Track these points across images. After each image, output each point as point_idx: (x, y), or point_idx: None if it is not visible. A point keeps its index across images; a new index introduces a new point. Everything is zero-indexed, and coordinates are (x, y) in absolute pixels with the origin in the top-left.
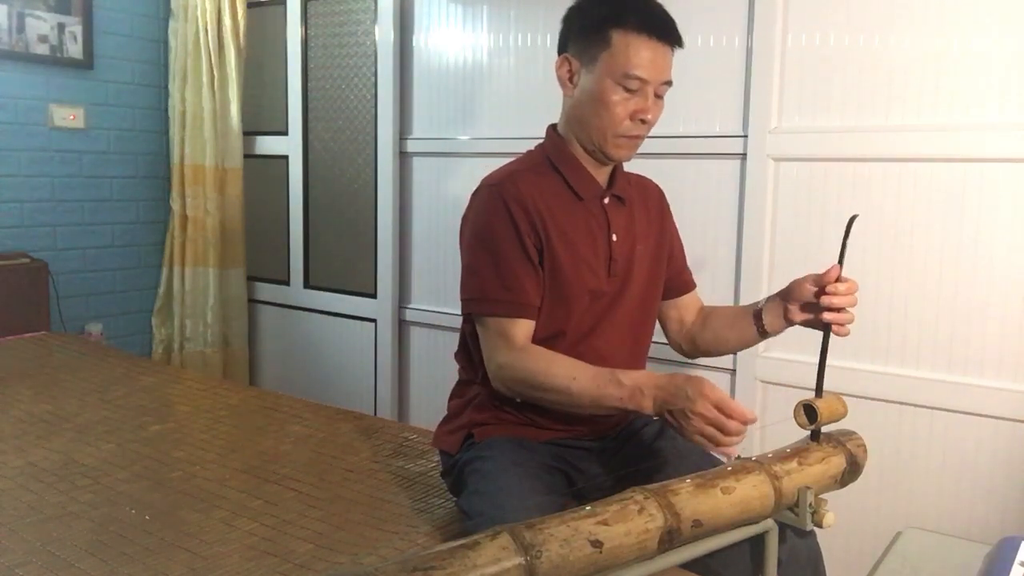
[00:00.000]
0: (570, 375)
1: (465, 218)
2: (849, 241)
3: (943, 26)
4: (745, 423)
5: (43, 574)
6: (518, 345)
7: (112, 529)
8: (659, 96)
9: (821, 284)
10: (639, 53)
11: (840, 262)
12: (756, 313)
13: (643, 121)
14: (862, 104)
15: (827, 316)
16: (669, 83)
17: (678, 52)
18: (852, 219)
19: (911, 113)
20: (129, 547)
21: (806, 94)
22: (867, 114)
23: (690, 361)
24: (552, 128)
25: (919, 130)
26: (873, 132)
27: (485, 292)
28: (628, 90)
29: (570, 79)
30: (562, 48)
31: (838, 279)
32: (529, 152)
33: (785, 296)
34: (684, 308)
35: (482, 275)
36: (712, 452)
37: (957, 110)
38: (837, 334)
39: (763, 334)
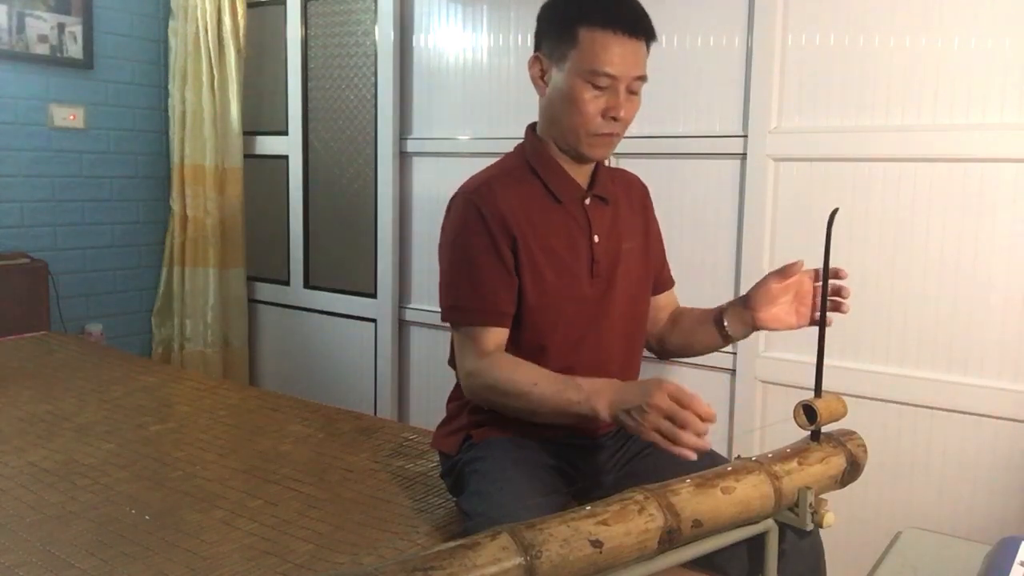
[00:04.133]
0: (531, 381)
1: (443, 227)
2: (833, 236)
3: (943, 26)
4: (705, 419)
5: (43, 574)
6: (486, 352)
7: (112, 529)
8: (633, 92)
9: (787, 276)
10: (607, 49)
11: (826, 256)
12: (717, 319)
13: (615, 119)
14: (862, 104)
15: (838, 305)
16: (642, 78)
17: (679, 52)
18: (833, 213)
19: (911, 113)
20: (129, 547)
21: (806, 94)
22: (867, 114)
23: (689, 362)
24: (531, 128)
25: (919, 130)
26: (873, 132)
27: (458, 300)
28: (598, 87)
29: (541, 77)
30: (536, 47)
31: (827, 274)
32: (508, 155)
33: (749, 304)
34: (659, 307)
35: (456, 284)
36: (671, 453)
37: (957, 110)
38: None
39: (726, 339)
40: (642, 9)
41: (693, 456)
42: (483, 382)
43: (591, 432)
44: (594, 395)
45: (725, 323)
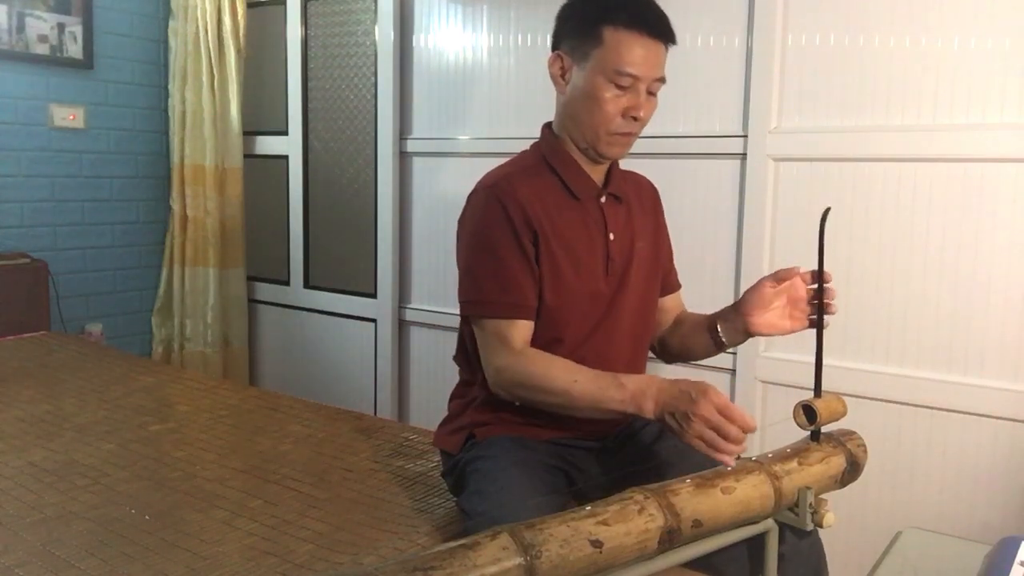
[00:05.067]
0: (571, 378)
1: (461, 221)
2: (833, 237)
3: (943, 26)
4: (746, 430)
5: (43, 574)
6: (516, 348)
7: (112, 529)
8: (652, 93)
9: (782, 280)
10: (631, 50)
11: (820, 257)
12: (711, 326)
13: (635, 118)
14: (862, 104)
15: (826, 307)
16: (662, 80)
17: (679, 52)
18: (825, 213)
19: (911, 113)
20: (129, 547)
21: (806, 94)
22: (867, 114)
23: (690, 362)
24: (547, 127)
25: (919, 130)
26: (873, 132)
27: (482, 294)
28: (620, 87)
29: (562, 76)
30: (555, 45)
31: (822, 275)
32: (524, 152)
33: (741, 309)
34: (664, 310)
35: (479, 277)
36: (712, 457)
37: (957, 110)
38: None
39: (720, 346)
40: (663, 12)
41: (732, 462)
42: (516, 379)
43: (593, 434)
44: (639, 395)
45: (718, 329)
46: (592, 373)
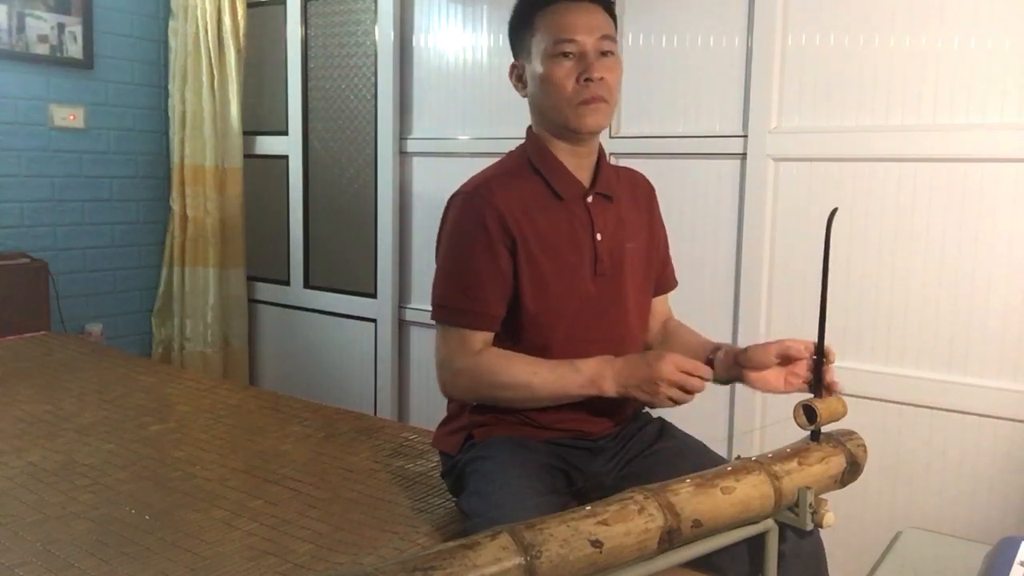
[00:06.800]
0: (531, 370)
1: (441, 225)
2: (832, 237)
3: (943, 26)
4: (705, 379)
5: (43, 574)
6: (475, 351)
7: (112, 529)
8: (605, 54)
9: (786, 355)
10: (562, 19)
11: (825, 259)
12: (707, 361)
13: (590, 79)
14: (862, 104)
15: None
16: (610, 39)
17: (679, 52)
18: (832, 213)
19: (911, 113)
20: (129, 547)
21: (806, 94)
22: (867, 114)
23: None
24: (530, 129)
25: (919, 130)
26: (873, 132)
27: (448, 300)
28: (565, 56)
29: (520, 79)
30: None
31: (824, 353)
32: (510, 153)
33: (742, 361)
34: (652, 311)
35: (448, 284)
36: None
37: (957, 110)
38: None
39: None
40: None
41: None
42: (477, 376)
43: (593, 434)
44: (597, 376)
45: (716, 371)
46: (549, 364)
